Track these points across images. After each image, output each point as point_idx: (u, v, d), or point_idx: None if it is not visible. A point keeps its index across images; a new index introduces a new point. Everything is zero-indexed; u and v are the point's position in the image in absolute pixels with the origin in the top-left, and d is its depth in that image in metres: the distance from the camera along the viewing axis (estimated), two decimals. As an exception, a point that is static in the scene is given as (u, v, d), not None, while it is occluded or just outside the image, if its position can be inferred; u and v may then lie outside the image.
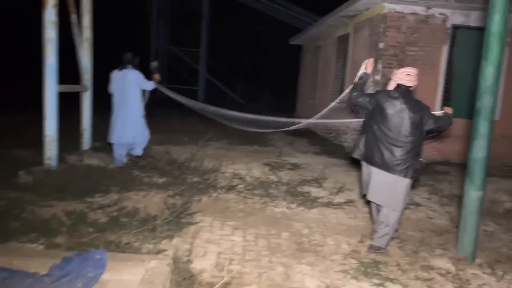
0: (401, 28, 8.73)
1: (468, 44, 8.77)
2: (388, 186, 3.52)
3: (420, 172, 3.65)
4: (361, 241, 3.78)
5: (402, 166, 3.48)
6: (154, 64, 6.50)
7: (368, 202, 3.94)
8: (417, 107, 3.58)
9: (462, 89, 8.89)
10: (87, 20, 6.48)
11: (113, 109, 6.04)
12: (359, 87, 3.79)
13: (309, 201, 4.97)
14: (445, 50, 8.85)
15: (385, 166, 3.51)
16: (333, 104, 5.72)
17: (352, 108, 4.67)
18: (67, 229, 3.57)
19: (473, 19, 8.80)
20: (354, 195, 5.59)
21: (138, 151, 6.17)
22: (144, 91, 6.16)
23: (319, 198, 5.17)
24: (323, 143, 10.37)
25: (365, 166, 3.73)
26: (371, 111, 3.67)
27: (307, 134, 12.36)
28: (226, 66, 28.96)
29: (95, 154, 6.30)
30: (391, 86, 3.75)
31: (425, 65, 8.83)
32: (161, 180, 5.58)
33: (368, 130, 3.66)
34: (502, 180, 6.88)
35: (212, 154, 8.04)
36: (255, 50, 30.47)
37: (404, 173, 3.49)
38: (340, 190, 5.58)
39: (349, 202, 5.04)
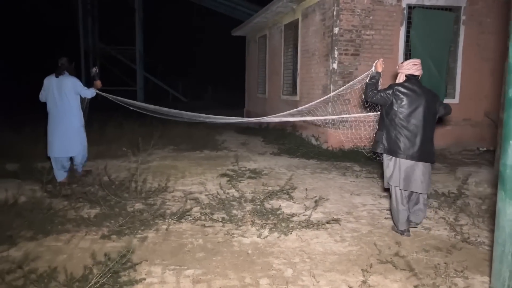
0: (355, 10, 8.01)
1: (424, 25, 8.25)
2: (417, 173, 3.71)
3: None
4: (364, 281, 2.88)
5: (426, 153, 3.70)
6: (94, 70, 6.17)
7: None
8: (432, 95, 3.79)
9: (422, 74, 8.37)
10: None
11: (48, 119, 5.50)
12: (373, 86, 3.93)
13: (283, 223, 4.01)
14: (402, 32, 8.27)
15: (411, 155, 3.68)
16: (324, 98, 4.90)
17: (367, 105, 4.86)
18: None
19: (428, -3, 8.28)
20: (332, 207, 4.73)
21: (79, 168, 5.86)
22: (83, 98, 5.71)
23: (294, 215, 4.23)
24: (279, 140, 9.50)
25: (389, 159, 3.82)
26: (389, 105, 3.77)
27: (259, 131, 11.45)
28: (164, 63, 27.27)
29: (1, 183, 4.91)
30: (401, 78, 3.88)
31: (383, 50, 8.21)
32: (93, 212, 4.35)
33: (389, 123, 3.78)
34: (479, 169, 6.36)
35: (157, 167, 6.85)
36: (194, 45, 29.06)
37: (428, 159, 3.74)
38: (315, 202, 4.69)
39: (330, 219, 4.14)
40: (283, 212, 4.35)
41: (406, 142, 3.66)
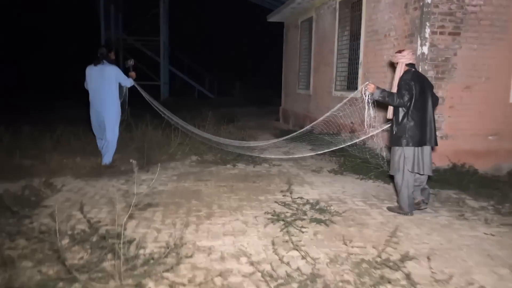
0: (457, -29, 5.57)
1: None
2: (427, 157, 3.93)
3: None
4: None
5: (435, 137, 3.96)
6: (130, 62, 6.11)
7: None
8: (429, 81, 4.10)
9: None
10: None
11: (90, 106, 5.71)
12: (390, 95, 3.88)
13: None
14: (523, 2, 5.77)
15: (432, 140, 3.90)
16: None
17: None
18: None
19: None
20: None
21: (108, 158, 5.71)
22: (121, 89, 5.82)
23: None
24: (334, 150, 7.12)
25: (416, 150, 3.87)
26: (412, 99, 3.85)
27: (304, 136, 9.07)
28: (190, 57, 25.18)
29: None
30: (402, 69, 3.95)
31: (493, 27, 5.75)
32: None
33: (413, 116, 3.83)
34: None
35: (172, 194, 4.64)
36: (222, 37, 26.92)
37: (436, 142, 3.97)
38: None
39: None
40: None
41: (430, 130, 3.87)
